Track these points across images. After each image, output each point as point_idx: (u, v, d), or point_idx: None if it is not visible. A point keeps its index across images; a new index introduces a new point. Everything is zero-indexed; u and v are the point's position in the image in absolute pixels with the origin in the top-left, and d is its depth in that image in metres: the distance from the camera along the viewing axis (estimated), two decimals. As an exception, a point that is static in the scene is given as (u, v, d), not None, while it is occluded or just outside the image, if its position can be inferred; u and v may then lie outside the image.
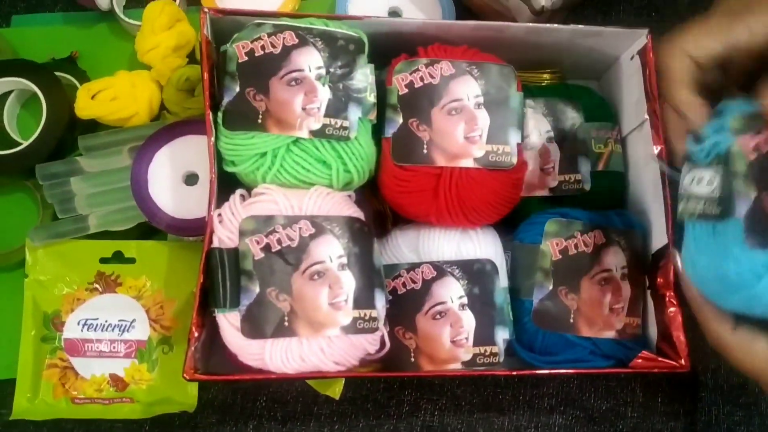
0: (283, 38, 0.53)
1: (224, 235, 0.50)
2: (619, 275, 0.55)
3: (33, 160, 0.63)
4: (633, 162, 0.61)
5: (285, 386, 0.62)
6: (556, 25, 0.58)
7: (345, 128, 0.53)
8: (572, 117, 0.60)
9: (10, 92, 0.67)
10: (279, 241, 0.50)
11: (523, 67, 0.63)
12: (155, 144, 0.62)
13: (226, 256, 0.50)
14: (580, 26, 0.58)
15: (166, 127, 0.63)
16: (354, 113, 0.53)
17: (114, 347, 0.61)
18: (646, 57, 0.58)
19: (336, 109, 0.53)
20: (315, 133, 0.52)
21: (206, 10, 0.55)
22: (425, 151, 0.54)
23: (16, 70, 0.66)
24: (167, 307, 0.62)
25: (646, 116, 0.57)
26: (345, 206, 0.53)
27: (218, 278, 0.49)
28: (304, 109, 0.53)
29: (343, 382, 0.60)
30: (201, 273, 0.50)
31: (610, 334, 0.54)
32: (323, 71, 0.53)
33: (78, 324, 0.61)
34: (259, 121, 0.52)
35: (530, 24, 0.58)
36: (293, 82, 0.53)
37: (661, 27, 0.58)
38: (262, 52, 0.53)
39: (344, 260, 0.51)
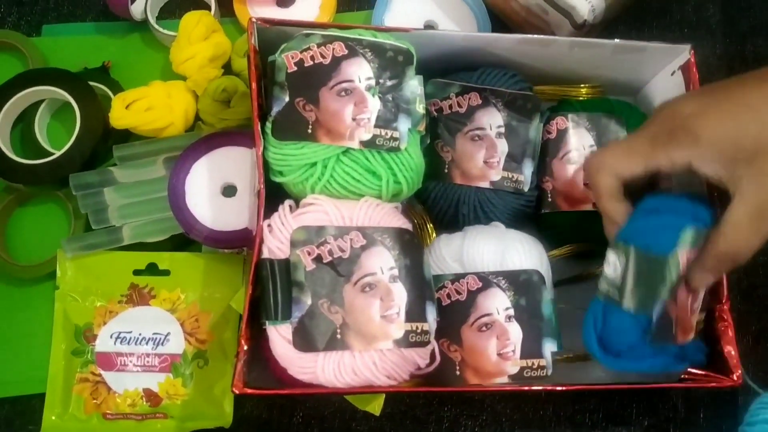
0: (333, 49, 0.53)
1: (274, 246, 0.49)
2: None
3: (66, 170, 0.62)
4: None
5: (323, 402, 0.60)
6: (600, 39, 0.58)
7: (395, 139, 0.53)
8: (616, 131, 0.60)
9: (41, 101, 0.66)
10: (330, 252, 0.49)
11: (561, 82, 0.64)
12: (193, 155, 0.61)
13: (277, 267, 0.49)
14: (624, 41, 0.58)
15: (204, 138, 0.62)
16: (404, 124, 0.53)
17: (148, 361, 0.60)
18: (689, 72, 0.58)
19: (386, 120, 0.53)
20: (366, 144, 0.52)
21: (254, 19, 0.55)
22: (309, 130, 0.52)
23: (48, 78, 0.65)
24: (202, 320, 0.61)
25: (691, 131, 0.57)
26: (394, 217, 0.52)
27: (269, 289, 0.48)
28: (354, 119, 0.52)
29: (383, 398, 0.59)
30: (250, 284, 0.49)
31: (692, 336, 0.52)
32: (373, 82, 0.53)
33: (111, 337, 0.60)
34: (309, 131, 0.52)
35: (575, 38, 0.58)
36: (343, 93, 0.53)
37: (694, 42, 0.59)
38: (311, 63, 0.53)
39: (395, 272, 0.50)
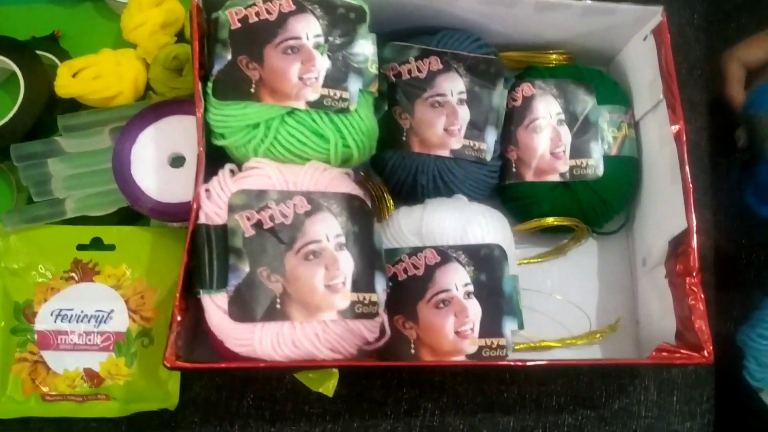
0: (279, 4, 0.50)
1: (212, 211, 0.46)
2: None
3: (7, 140, 0.59)
4: (647, 145, 0.58)
5: (274, 383, 0.57)
6: (567, 0, 0.55)
7: (345, 100, 0.50)
8: (584, 99, 0.57)
9: (-14, 71, 0.63)
10: (272, 218, 0.46)
11: (530, 49, 0.61)
12: (140, 124, 0.58)
13: (213, 233, 0.46)
14: (592, 2, 0.55)
15: (152, 107, 0.59)
16: (354, 84, 0.50)
17: (89, 339, 0.57)
18: (662, 36, 0.55)
19: (335, 79, 0.50)
20: (312, 104, 0.49)
21: (197, -23, 0.52)
22: (252, 89, 0.49)
23: (-8, 46, 0.62)
24: (148, 297, 0.58)
25: (662, 96, 0.54)
26: (343, 183, 0.49)
27: (205, 256, 0.45)
28: (300, 78, 0.49)
29: (337, 378, 0.56)
30: (186, 253, 0.46)
31: None
32: (322, 39, 0.50)
33: (51, 315, 0.57)
34: (252, 90, 0.49)
35: (540, -1, 0.55)
36: (290, 51, 0.50)
37: (672, 10, 0.56)
38: (256, 19, 0.50)
39: (342, 240, 0.47)
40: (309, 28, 0.50)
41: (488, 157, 0.55)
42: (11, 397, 0.56)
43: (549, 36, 0.60)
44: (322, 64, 0.50)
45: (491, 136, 0.56)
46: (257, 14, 0.50)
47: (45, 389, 0.56)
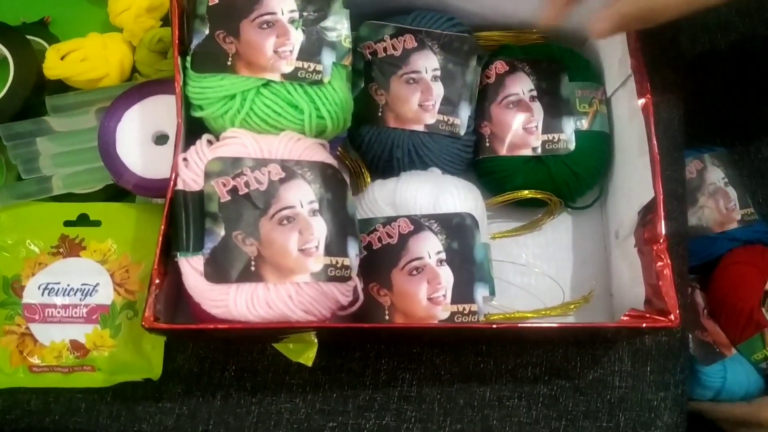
0: None
1: (189, 178, 0.48)
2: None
3: (-3, 120, 0.61)
4: (618, 120, 0.59)
5: (255, 355, 0.58)
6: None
7: (318, 72, 0.51)
8: (556, 76, 0.58)
9: (-23, 55, 0.65)
10: (247, 184, 0.48)
11: (505, 29, 0.62)
12: (125, 103, 0.60)
13: (190, 198, 0.47)
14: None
15: (136, 86, 0.61)
16: (328, 57, 0.52)
17: (75, 312, 0.58)
18: (629, 12, 0.56)
19: (309, 53, 0.51)
20: (287, 76, 0.51)
21: (177, -45, 0.53)
22: (229, 62, 0.51)
23: (-17, 31, 0.64)
24: (133, 271, 0.59)
25: (630, 71, 0.55)
26: (317, 152, 0.51)
27: (182, 221, 0.47)
28: (275, 51, 0.51)
29: (316, 349, 0.57)
30: (164, 219, 0.48)
31: None
32: (296, 15, 0.52)
33: (39, 288, 0.58)
34: (229, 63, 0.51)
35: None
36: (265, 25, 0.52)
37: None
38: None
39: (315, 206, 0.49)
40: (284, 4, 0.52)
41: (462, 132, 0.57)
42: (-1, 368, 0.57)
43: (523, 16, 0.61)
44: (297, 37, 0.51)
45: (465, 112, 0.57)
46: None
47: (32, 360, 0.57)
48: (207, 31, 0.51)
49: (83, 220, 0.60)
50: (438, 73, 0.57)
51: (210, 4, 0.51)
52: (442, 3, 0.59)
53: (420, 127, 0.56)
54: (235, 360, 0.59)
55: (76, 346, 0.57)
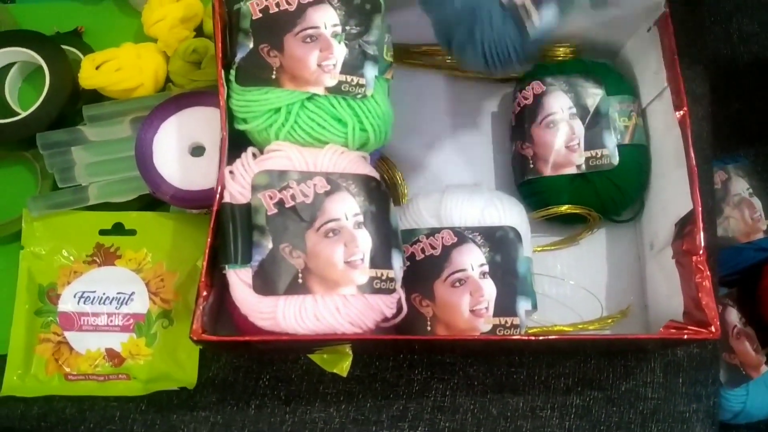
0: None
1: (236, 191, 0.48)
2: None
3: (33, 130, 0.61)
4: (653, 133, 0.60)
5: (289, 364, 0.59)
6: (574, -8, 0.57)
7: (361, 86, 0.51)
8: (593, 92, 0.59)
9: (12, 64, 0.65)
10: (293, 197, 0.48)
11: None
12: (162, 114, 0.60)
13: (237, 211, 0.47)
14: (597, -7, 0.57)
15: (173, 98, 0.61)
16: (370, 71, 0.52)
17: (111, 320, 0.58)
18: (665, 26, 0.57)
19: (352, 66, 0.52)
20: (331, 90, 0.51)
21: (219, -32, 0.54)
22: (273, 76, 0.51)
23: (19, 40, 0.64)
24: (168, 280, 0.59)
25: (666, 83, 0.56)
26: (360, 165, 0.51)
27: (230, 233, 0.47)
28: (319, 65, 0.51)
29: (351, 359, 0.57)
30: (210, 232, 0.48)
31: None
32: (339, 29, 0.52)
33: (74, 297, 0.59)
34: (273, 76, 0.51)
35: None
36: (308, 39, 0.52)
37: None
38: (276, 9, 0.52)
39: (360, 218, 0.49)
40: (327, 18, 0.52)
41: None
42: (35, 376, 0.57)
43: (558, 30, 0.61)
44: (340, 51, 0.52)
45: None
46: (277, 5, 0.52)
47: (68, 369, 0.57)
48: (251, 45, 0.51)
49: (118, 229, 0.61)
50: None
51: (253, 17, 0.52)
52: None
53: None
54: (270, 369, 0.59)
55: (111, 354, 0.58)
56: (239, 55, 0.51)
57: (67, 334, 0.58)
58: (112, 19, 0.69)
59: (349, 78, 0.51)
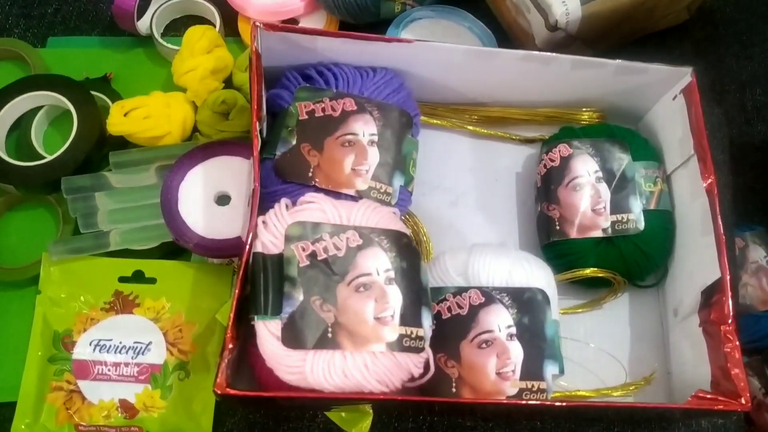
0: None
1: (268, 240, 0.48)
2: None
3: (58, 174, 0.61)
4: (678, 199, 0.60)
5: (306, 422, 0.57)
6: (601, 59, 0.58)
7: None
8: (619, 157, 0.59)
9: (40, 108, 0.66)
10: (325, 250, 0.48)
11: (563, 105, 0.64)
12: (189, 162, 0.60)
13: (269, 261, 0.47)
14: (625, 62, 0.59)
15: (200, 147, 0.61)
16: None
17: (126, 371, 0.57)
18: (691, 96, 0.58)
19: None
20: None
21: (258, 24, 0.55)
22: (311, 174, 0.54)
23: (48, 84, 0.65)
24: (186, 331, 0.58)
25: (693, 151, 0.57)
26: (392, 221, 0.51)
27: (260, 283, 0.46)
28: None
29: (371, 419, 0.56)
30: (239, 281, 0.47)
31: None
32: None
33: (90, 344, 0.57)
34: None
35: (576, 56, 0.58)
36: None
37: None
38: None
39: (391, 274, 0.49)
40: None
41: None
42: (44, 425, 0.55)
43: (583, 94, 0.62)
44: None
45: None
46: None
47: (79, 419, 0.56)
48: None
49: (138, 277, 0.60)
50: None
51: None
52: (504, 78, 0.61)
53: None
54: (286, 427, 0.57)
55: (125, 406, 0.56)
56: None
57: (80, 382, 0.57)
58: (141, 67, 0.70)
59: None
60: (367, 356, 0.46)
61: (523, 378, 0.51)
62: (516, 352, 0.51)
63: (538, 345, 0.52)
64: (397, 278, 0.49)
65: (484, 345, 0.51)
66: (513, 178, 0.65)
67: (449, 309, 0.52)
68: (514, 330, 0.51)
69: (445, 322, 0.52)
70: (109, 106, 0.65)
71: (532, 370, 0.51)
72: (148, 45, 0.70)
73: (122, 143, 0.64)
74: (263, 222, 0.49)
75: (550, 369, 0.51)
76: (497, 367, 0.51)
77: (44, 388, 0.56)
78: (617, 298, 0.60)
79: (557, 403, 0.50)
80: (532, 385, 0.51)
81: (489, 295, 0.52)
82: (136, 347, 0.58)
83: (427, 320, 0.49)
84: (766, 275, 0.74)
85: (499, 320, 0.51)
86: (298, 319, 0.46)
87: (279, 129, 0.55)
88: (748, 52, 0.85)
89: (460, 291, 0.52)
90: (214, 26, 0.69)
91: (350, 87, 0.57)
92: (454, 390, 0.51)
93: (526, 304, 0.52)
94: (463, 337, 0.51)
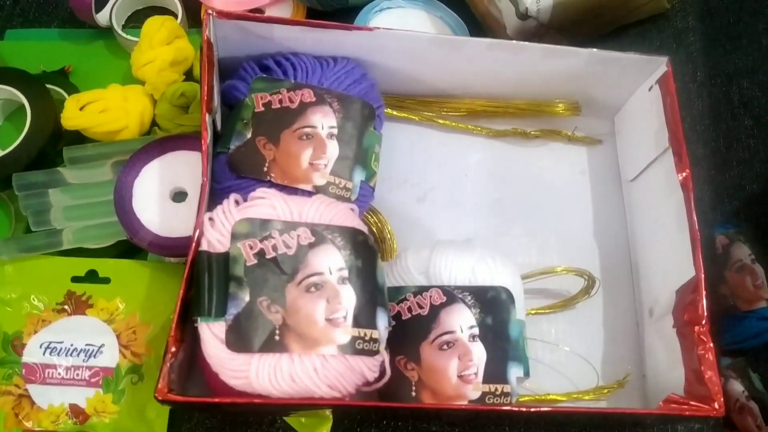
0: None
1: (214, 238, 0.46)
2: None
3: (10, 169, 0.59)
4: (652, 195, 0.57)
5: (264, 427, 0.55)
6: (574, 48, 0.56)
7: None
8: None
9: (-6, 103, 0.64)
10: (275, 248, 0.45)
11: (536, 96, 0.62)
12: (144, 157, 0.58)
13: (214, 260, 0.45)
14: (599, 50, 0.56)
15: (157, 141, 0.59)
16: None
17: (77, 374, 0.55)
18: (667, 86, 0.56)
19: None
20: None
21: (210, 11, 0.52)
22: (266, 168, 0.51)
23: (2, 78, 0.62)
24: (140, 333, 0.56)
25: (668, 144, 0.54)
26: (348, 217, 0.49)
27: (204, 284, 0.44)
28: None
29: (330, 425, 0.54)
30: (184, 282, 0.45)
31: None
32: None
33: (40, 347, 0.55)
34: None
35: (547, 45, 0.56)
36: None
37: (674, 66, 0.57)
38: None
39: (345, 273, 0.46)
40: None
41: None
42: (-9, 431, 0.53)
43: (555, 85, 0.60)
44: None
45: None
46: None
47: (28, 424, 0.54)
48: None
49: (92, 277, 0.58)
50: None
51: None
52: (474, 68, 0.58)
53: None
54: (244, 432, 0.55)
55: (75, 411, 0.54)
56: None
57: (29, 386, 0.54)
58: (101, 60, 0.68)
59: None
60: (317, 359, 0.44)
61: (486, 381, 0.48)
62: (478, 353, 0.49)
63: (501, 346, 0.49)
64: (351, 277, 0.46)
65: (445, 346, 0.49)
66: (483, 172, 0.63)
67: (409, 309, 0.50)
68: (477, 331, 0.49)
69: (406, 323, 0.49)
70: (66, 100, 0.63)
71: (495, 372, 0.49)
72: (108, 37, 0.68)
73: (79, 138, 0.62)
74: (210, 219, 0.46)
75: (515, 371, 0.49)
76: (459, 370, 0.48)
77: (-8, 392, 0.54)
78: (590, 298, 0.58)
79: (524, 409, 0.48)
80: (496, 389, 0.48)
81: (451, 294, 0.50)
82: (88, 350, 0.55)
83: (382, 321, 0.46)
84: (750, 274, 0.71)
85: (462, 320, 0.49)
86: (244, 320, 0.44)
87: (234, 122, 0.53)
88: (735, 44, 0.83)
89: (421, 290, 0.50)
90: (176, 17, 0.67)
91: (309, 77, 0.55)
92: (414, 394, 0.48)
93: (490, 304, 0.49)
94: (423, 338, 0.49)
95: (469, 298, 0.49)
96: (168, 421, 0.54)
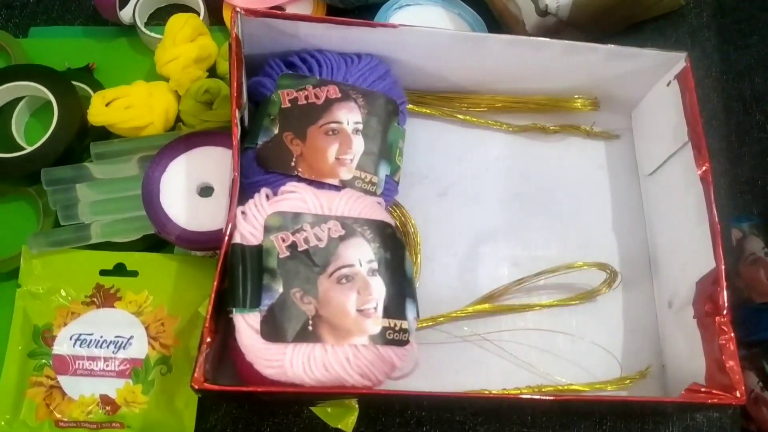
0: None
1: (247, 232, 0.47)
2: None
3: (38, 165, 0.60)
4: (671, 188, 0.58)
5: (291, 417, 0.56)
6: (593, 44, 0.57)
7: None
8: None
9: (20, 99, 0.64)
10: (306, 240, 0.46)
11: (555, 93, 0.62)
12: (171, 153, 0.59)
13: (248, 253, 0.46)
14: (617, 46, 0.57)
15: (183, 137, 0.60)
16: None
17: (107, 365, 0.56)
18: (685, 81, 0.57)
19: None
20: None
21: (239, 9, 0.53)
22: (293, 163, 0.52)
23: (28, 74, 0.63)
24: (168, 325, 0.57)
25: (687, 138, 0.55)
26: (376, 210, 0.50)
27: (239, 276, 0.45)
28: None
29: (357, 414, 0.55)
30: (218, 274, 0.46)
31: None
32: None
33: (70, 339, 0.56)
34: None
35: (567, 42, 0.57)
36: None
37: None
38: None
39: (375, 265, 0.47)
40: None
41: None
42: (24, 421, 0.54)
43: (574, 80, 0.61)
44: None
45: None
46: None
47: (59, 415, 0.54)
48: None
49: (120, 270, 0.59)
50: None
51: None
52: (494, 64, 0.59)
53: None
54: (270, 422, 0.56)
55: (106, 401, 0.55)
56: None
57: (60, 378, 0.55)
58: (124, 56, 0.69)
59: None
60: (349, 349, 0.45)
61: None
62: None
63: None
64: (381, 269, 0.47)
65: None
66: (503, 167, 0.64)
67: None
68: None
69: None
70: (91, 97, 0.64)
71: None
72: (131, 34, 0.69)
73: (104, 134, 0.63)
74: (242, 212, 0.47)
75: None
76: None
77: (24, 383, 0.55)
78: (611, 291, 0.59)
79: (547, 397, 0.49)
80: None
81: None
82: (118, 341, 0.56)
83: (411, 312, 0.47)
84: (764, 267, 0.72)
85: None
86: (278, 311, 0.45)
87: (261, 118, 0.54)
88: (747, 41, 0.84)
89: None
90: (199, 15, 0.68)
91: (334, 74, 0.56)
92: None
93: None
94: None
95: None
96: (196, 412, 0.55)
